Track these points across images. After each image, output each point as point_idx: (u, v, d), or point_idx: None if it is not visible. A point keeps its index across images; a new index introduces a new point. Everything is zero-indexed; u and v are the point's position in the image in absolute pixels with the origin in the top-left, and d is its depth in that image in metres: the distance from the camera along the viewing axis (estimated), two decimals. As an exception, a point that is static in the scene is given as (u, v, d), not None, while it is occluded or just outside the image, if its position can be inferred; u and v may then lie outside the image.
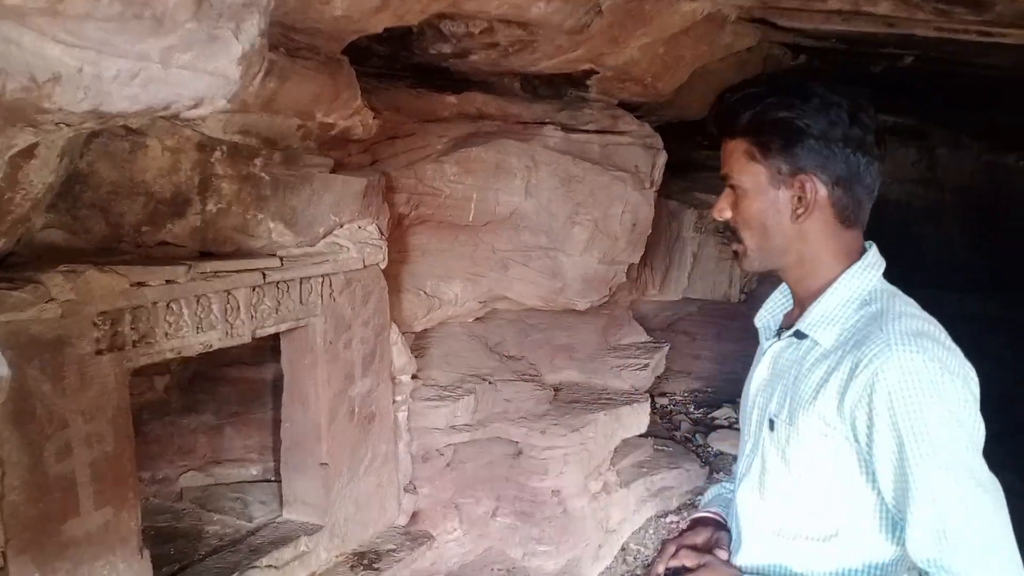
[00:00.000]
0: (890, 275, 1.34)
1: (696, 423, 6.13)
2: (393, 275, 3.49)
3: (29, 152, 1.87)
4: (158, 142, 2.32)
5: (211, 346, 2.52)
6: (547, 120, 4.06)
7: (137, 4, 1.24)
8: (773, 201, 1.31)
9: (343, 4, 2.21)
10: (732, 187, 1.36)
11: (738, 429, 1.56)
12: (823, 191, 1.29)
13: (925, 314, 1.27)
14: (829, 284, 1.31)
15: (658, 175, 4.42)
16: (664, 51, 3.89)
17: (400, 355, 3.44)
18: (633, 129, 4.32)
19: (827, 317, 1.29)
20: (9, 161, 1.84)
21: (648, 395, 4.75)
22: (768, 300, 1.50)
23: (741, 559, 1.42)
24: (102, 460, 2.16)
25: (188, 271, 2.38)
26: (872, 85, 5.99)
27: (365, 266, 3.18)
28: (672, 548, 1.41)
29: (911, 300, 1.30)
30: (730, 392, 6.69)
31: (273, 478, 3.40)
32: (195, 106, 1.55)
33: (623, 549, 4.69)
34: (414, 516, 3.59)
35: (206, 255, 2.64)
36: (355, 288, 3.15)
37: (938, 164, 7.03)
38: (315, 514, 3.06)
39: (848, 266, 1.31)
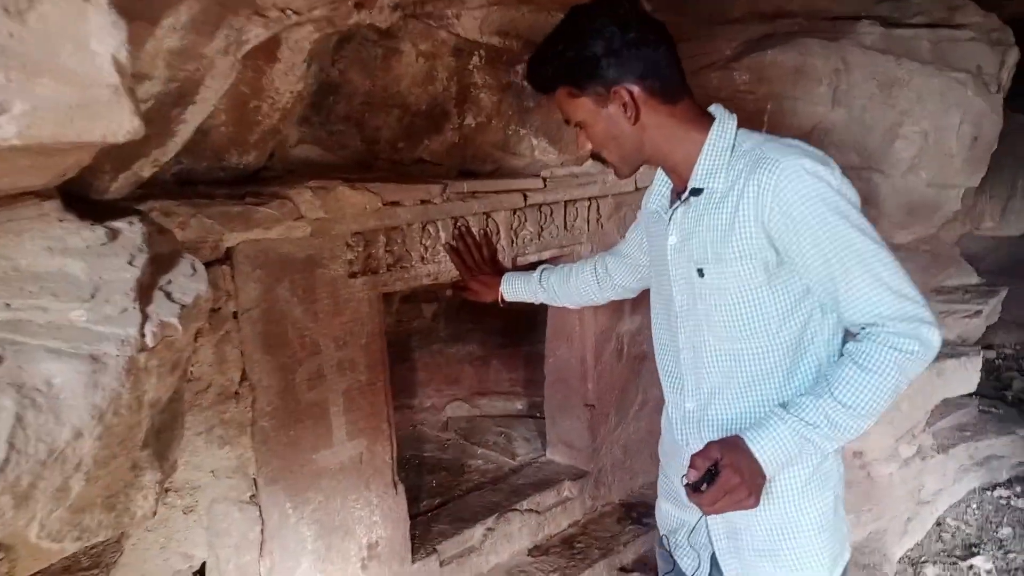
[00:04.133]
0: None
1: (1032, 382, 5.33)
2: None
3: (271, 54, 1.73)
4: (412, 47, 2.11)
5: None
6: (862, 14, 3.35)
7: None
8: (607, 118, 1.52)
9: None
10: (577, 124, 1.58)
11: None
12: (637, 89, 1.48)
13: (779, 137, 1.51)
14: (697, 147, 1.51)
15: (1007, 77, 3.51)
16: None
17: (677, 290, 3.06)
18: (976, 21, 3.45)
19: (712, 168, 1.50)
20: (250, 65, 1.71)
21: (979, 348, 3.96)
22: (651, 190, 1.74)
23: (718, 410, 1.58)
24: (355, 389, 2.05)
25: (444, 191, 2.18)
26: None
27: (637, 188, 2.82)
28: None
29: (761, 132, 1.54)
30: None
31: (537, 414, 3.22)
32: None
33: (938, 524, 4.05)
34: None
35: (464, 174, 2.43)
36: (625, 213, 2.80)
37: None
38: (579, 458, 2.82)
39: (702, 129, 1.52)
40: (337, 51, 2.03)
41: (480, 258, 2.28)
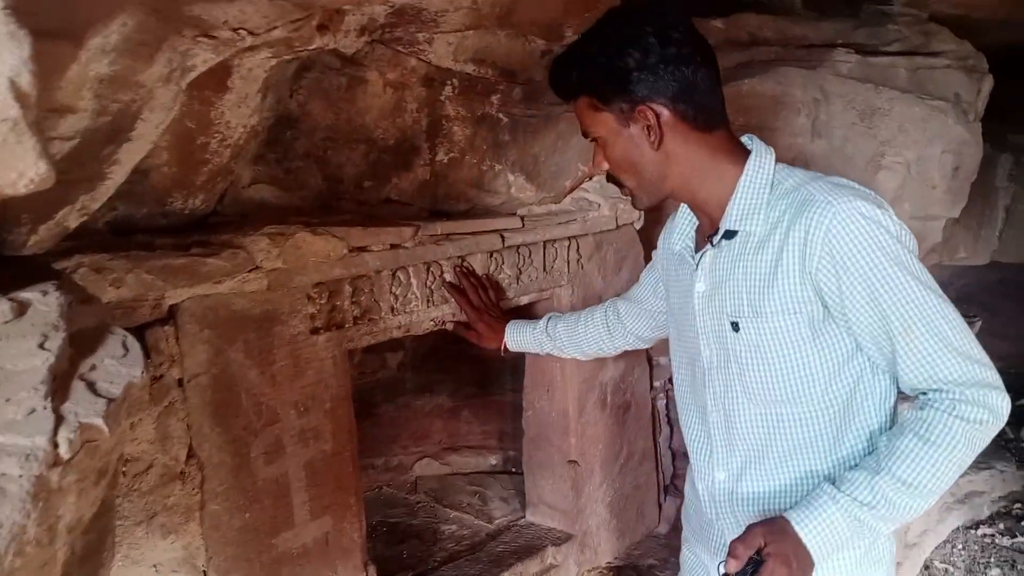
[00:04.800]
0: None
1: (1004, 414, 5.18)
2: (650, 238, 2.91)
3: (221, 84, 1.51)
4: (379, 76, 1.91)
5: (443, 323, 2.11)
6: (839, 42, 3.26)
7: None
8: (629, 139, 1.37)
9: None
10: (595, 140, 1.43)
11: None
12: (665, 113, 1.33)
13: (824, 174, 1.35)
14: (731, 183, 1.36)
15: (982, 105, 3.45)
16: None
17: (659, 332, 2.87)
18: (951, 48, 3.37)
19: (749, 208, 1.34)
20: (196, 96, 1.48)
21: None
22: (672, 228, 1.56)
23: (752, 483, 1.39)
24: (319, 461, 1.80)
25: (416, 233, 1.97)
26: None
27: (619, 226, 2.64)
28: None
29: (803, 169, 1.38)
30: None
31: (513, 469, 2.99)
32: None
33: (926, 567, 3.90)
34: (677, 523, 3.03)
35: (435, 214, 2.22)
36: (606, 253, 2.62)
37: None
38: (563, 520, 2.59)
39: (735, 162, 1.36)
40: (296, 81, 1.81)
41: (487, 299, 2.11)
